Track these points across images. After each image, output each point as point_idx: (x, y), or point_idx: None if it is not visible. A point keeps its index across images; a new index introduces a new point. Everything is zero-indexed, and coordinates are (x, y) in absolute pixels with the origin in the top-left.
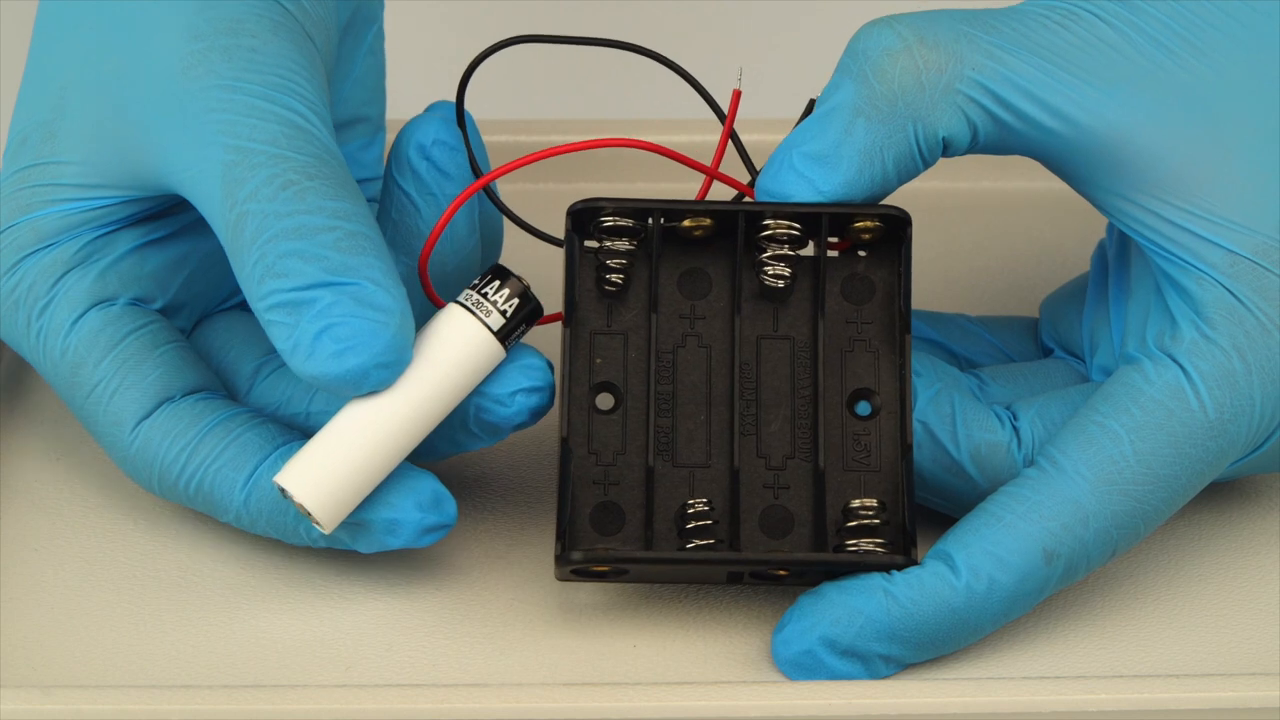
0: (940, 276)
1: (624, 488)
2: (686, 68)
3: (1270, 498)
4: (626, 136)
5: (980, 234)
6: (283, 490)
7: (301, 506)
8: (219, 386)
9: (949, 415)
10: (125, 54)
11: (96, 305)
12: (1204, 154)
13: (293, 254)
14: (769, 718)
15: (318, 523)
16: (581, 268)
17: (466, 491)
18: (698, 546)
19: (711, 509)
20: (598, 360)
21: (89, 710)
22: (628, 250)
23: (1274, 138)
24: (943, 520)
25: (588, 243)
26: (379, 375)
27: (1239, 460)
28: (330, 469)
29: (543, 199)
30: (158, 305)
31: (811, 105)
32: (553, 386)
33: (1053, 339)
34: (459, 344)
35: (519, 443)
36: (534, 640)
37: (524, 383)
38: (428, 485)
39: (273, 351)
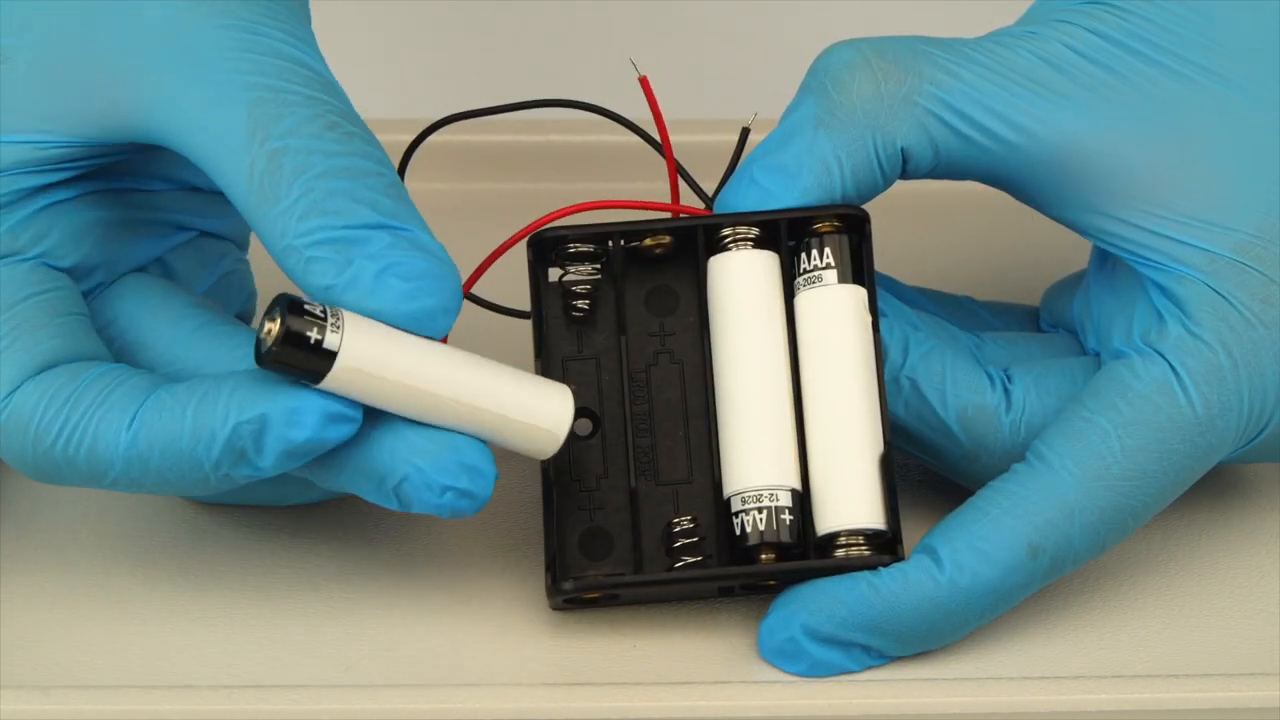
0: (941, 275)
1: (609, 511)
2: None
3: (1270, 497)
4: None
5: (982, 233)
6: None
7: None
8: (112, 360)
9: (939, 374)
10: None
11: (4, 259)
12: (1169, 158)
13: (342, 193)
14: (769, 718)
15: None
16: (548, 297)
17: None
18: (686, 564)
19: (697, 526)
20: (572, 387)
21: (89, 710)
22: (592, 275)
23: (1243, 136)
24: (929, 520)
25: (552, 270)
26: (446, 320)
27: (1231, 454)
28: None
29: (545, 198)
30: (67, 264)
31: (746, 132)
32: (485, 501)
33: (1050, 325)
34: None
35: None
36: (534, 640)
37: (463, 483)
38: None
39: (191, 312)
